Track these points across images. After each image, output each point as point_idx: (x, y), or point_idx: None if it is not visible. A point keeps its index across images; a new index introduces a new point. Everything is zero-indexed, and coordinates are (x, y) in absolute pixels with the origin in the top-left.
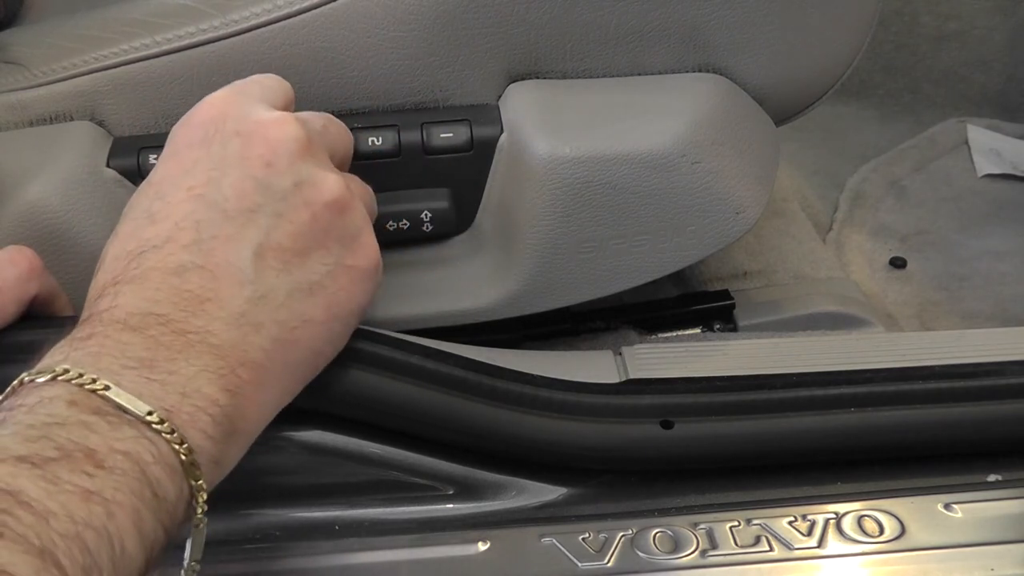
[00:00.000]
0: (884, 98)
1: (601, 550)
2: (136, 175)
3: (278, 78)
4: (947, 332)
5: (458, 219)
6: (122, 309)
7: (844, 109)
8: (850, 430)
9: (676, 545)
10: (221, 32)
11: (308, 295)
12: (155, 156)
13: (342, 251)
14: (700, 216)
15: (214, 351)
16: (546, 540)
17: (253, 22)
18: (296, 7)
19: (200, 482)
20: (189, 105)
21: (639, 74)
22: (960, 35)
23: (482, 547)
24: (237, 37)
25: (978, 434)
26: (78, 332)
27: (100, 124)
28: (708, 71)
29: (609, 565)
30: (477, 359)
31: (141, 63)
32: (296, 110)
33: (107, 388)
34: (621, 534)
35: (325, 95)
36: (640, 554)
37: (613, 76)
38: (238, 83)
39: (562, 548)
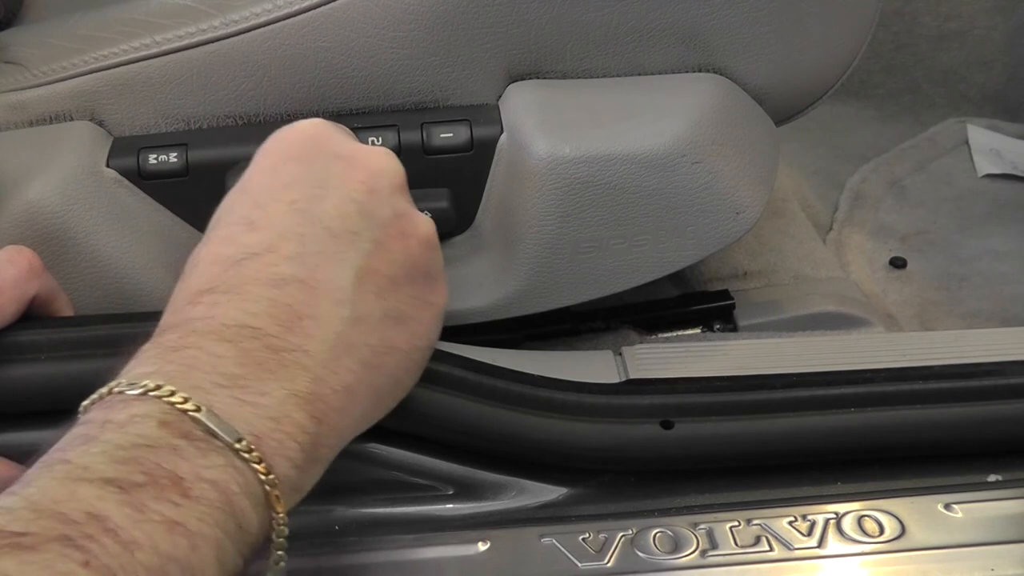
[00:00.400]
0: (884, 98)
1: (601, 550)
2: (136, 175)
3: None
4: (947, 332)
5: (458, 219)
6: (219, 321)
7: (844, 109)
8: (850, 430)
9: (676, 545)
10: (221, 32)
11: (396, 323)
12: (155, 156)
13: (426, 287)
14: (700, 216)
15: (307, 373)
16: (546, 540)
17: (253, 22)
18: (296, 7)
19: (282, 514)
20: (189, 105)
21: (639, 74)
22: (960, 35)
23: (482, 547)
24: (237, 37)
25: (978, 434)
26: (167, 337)
27: (100, 124)
28: (708, 71)
29: (609, 565)
30: (477, 359)
31: (141, 63)
32: (296, 110)
33: (198, 410)
34: (621, 534)
35: (325, 95)
36: (640, 554)
37: (613, 76)
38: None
39: (562, 548)
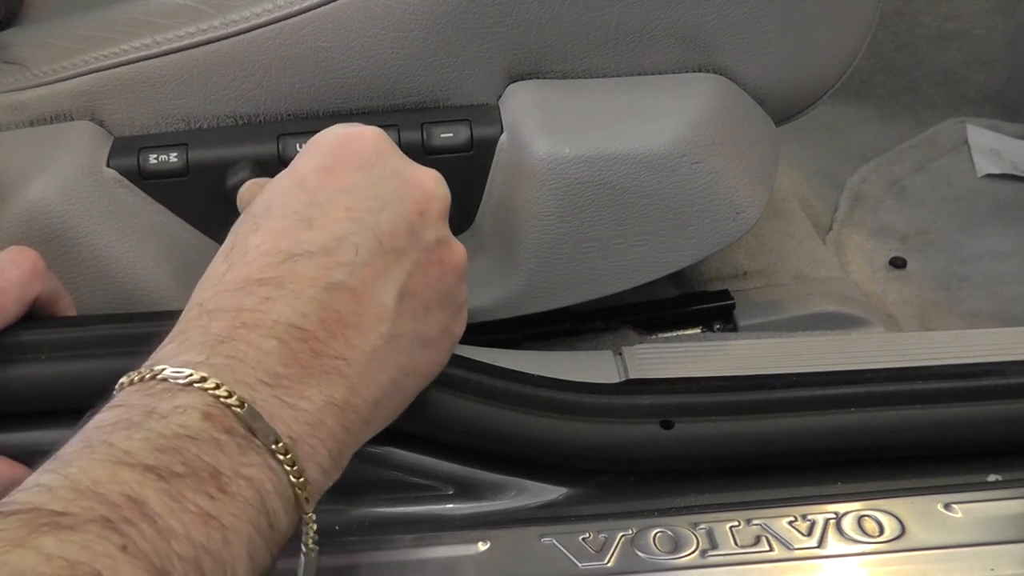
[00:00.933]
0: (884, 98)
1: (601, 550)
2: (136, 175)
3: None
4: (947, 332)
5: (458, 219)
6: (270, 316)
7: (844, 109)
8: (850, 430)
9: (676, 545)
10: (221, 32)
11: (423, 347)
12: (155, 156)
13: (452, 316)
14: (700, 216)
15: (344, 381)
16: (546, 540)
17: (253, 22)
18: (296, 7)
19: (311, 515)
20: (189, 105)
21: (639, 74)
22: (960, 35)
23: (482, 547)
24: (237, 37)
25: (978, 434)
26: (216, 324)
27: (100, 124)
28: (708, 71)
29: (609, 565)
30: (477, 359)
31: (141, 63)
32: (296, 110)
33: (242, 406)
34: (621, 534)
35: (325, 95)
36: (640, 554)
37: (613, 76)
38: (374, 127)
39: (562, 548)
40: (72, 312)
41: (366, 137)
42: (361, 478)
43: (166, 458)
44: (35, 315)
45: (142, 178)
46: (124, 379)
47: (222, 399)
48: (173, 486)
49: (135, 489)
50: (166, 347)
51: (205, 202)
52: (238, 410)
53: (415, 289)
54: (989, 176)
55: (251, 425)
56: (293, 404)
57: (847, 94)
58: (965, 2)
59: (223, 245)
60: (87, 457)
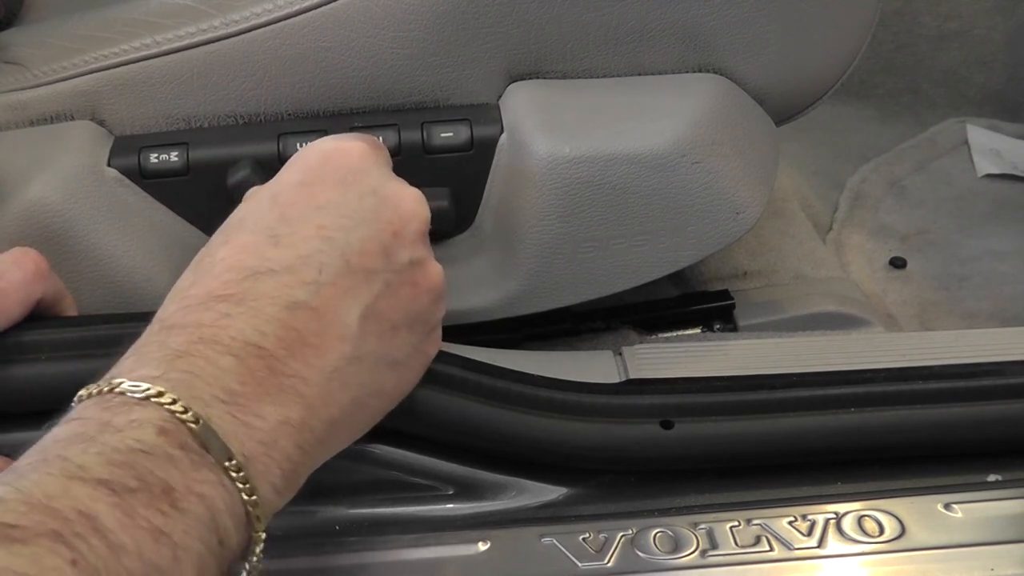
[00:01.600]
0: (884, 98)
1: (601, 550)
2: (137, 174)
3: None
4: (947, 332)
5: (458, 219)
6: (228, 333)
7: (844, 109)
8: (850, 430)
9: (676, 545)
10: (221, 32)
11: (389, 368)
12: (156, 155)
13: (423, 337)
14: (700, 216)
15: (302, 402)
16: (546, 540)
17: (253, 22)
18: (296, 7)
19: (260, 533)
20: (189, 104)
21: (639, 74)
22: (960, 35)
23: (482, 547)
24: (237, 37)
25: (978, 434)
26: (174, 339)
27: (101, 123)
28: (708, 71)
29: (609, 565)
30: (477, 359)
31: (141, 63)
32: (296, 110)
33: (196, 422)
34: (621, 534)
35: (325, 95)
36: (640, 554)
37: (613, 76)
38: (367, 138)
39: (562, 548)
40: (74, 312)
41: (351, 153)
42: (361, 478)
43: (120, 472)
44: (37, 315)
45: (143, 177)
46: (83, 392)
47: (177, 415)
48: (125, 501)
49: (87, 504)
50: (125, 361)
51: (206, 201)
52: (193, 426)
53: (383, 310)
54: (989, 176)
55: (205, 442)
56: (248, 422)
57: (847, 94)
58: (965, 2)
59: (196, 256)
60: (41, 471)
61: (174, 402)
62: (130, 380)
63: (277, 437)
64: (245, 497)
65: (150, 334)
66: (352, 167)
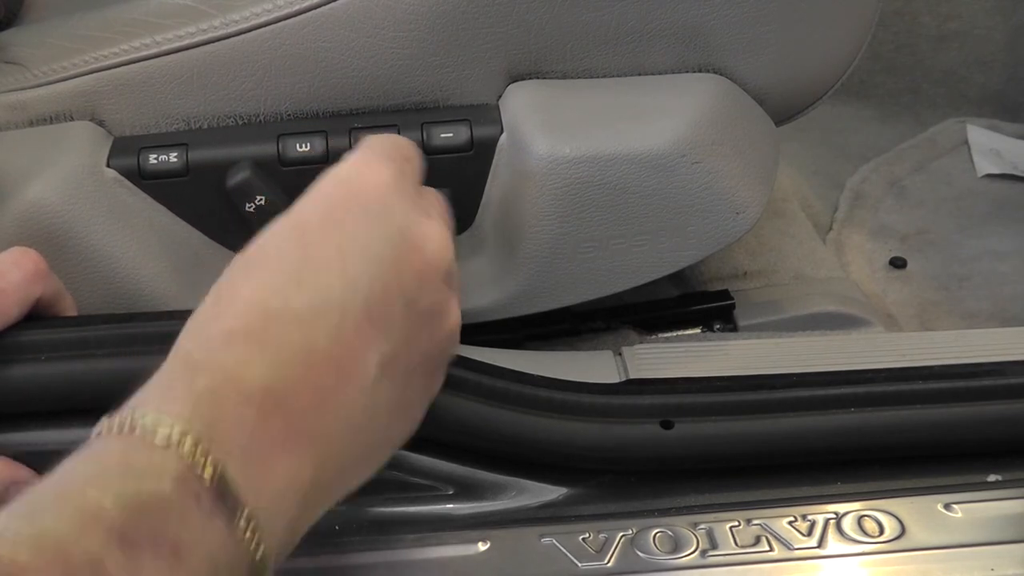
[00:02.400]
0: (884, 98)
1: (601, 550)
2: (136, 175)
3: (416, 153)
4: (947, 332)
5: (458, 219)
6: (248, 381)
7: (844, 109)
8: (850, 430)
9: (676, 545)
10: (221, 32)
11: (400, 415)
12: (155, 156)
13: (433, 377)
14: (700, 216)
15: (315, 457)
16: (546, 540)
17: (253, 22)
18: (296, 7)
19: None
20: (189, 105)
21: (639, 74)
22: (960, 35)
23: (482, 547)
24: (237, 37)
25: (978, 434)
26: (199, 379)
27: (100, 124)
28: (708, 71)
29: (609, 565)
30: (477, 359)
31: (141, 63)
32: (296, 110)
33: (214, 473)
34: (621, 534)
35: (325, 95)
36: (640, 554)
37: (613, 76)
38: (395, 156)
39: (562, 548)
40: (73, 312)
41: (378, 186)
42: None
43: (132, 522)
44: (36, 316)
45: (142, 178)
46: (105, 423)
47: (197, 463)
48: (133, 555)
49: (97, 552)
50: (151, 391)
51: (205, 202)
52: (209, 476)
53: (399, 355)
54: (989, 176)
55: (220, 493)
56: (259, 475)
57: (847, 94)
58: (965, 2)
59: (218, 281)
60: (55, 510)
61: (195, 449)
62: (153, 417)
63: (288, 490)
64: (251, 548)
65: (174, 369)
66: (378, 202)
